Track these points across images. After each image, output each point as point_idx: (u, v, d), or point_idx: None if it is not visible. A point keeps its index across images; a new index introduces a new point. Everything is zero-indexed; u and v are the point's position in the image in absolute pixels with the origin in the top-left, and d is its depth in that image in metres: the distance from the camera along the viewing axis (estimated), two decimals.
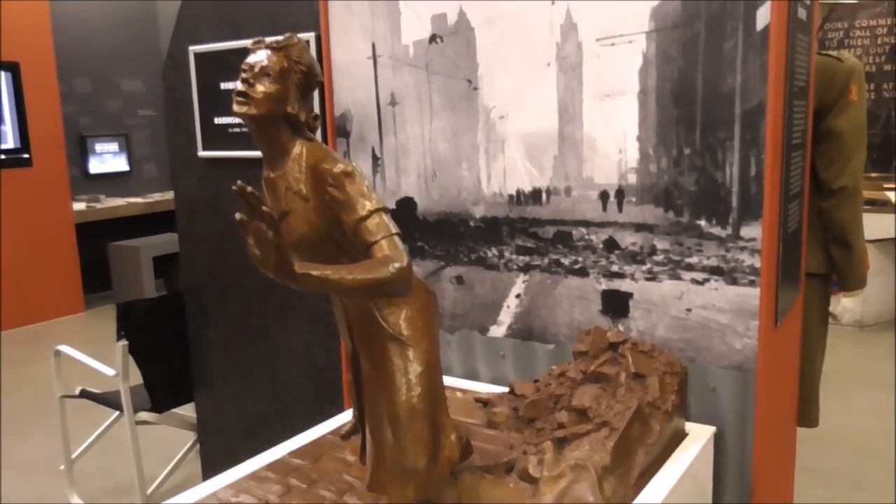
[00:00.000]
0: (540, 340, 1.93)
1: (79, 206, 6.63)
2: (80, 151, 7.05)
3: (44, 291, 6.22)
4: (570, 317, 1.88)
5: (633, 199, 1.76)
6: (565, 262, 1.87)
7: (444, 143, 2.01)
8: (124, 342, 2.78)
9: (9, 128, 5.97)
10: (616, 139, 1.76)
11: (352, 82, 2.13)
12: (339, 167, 1.10)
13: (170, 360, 2.92)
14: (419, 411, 1.16)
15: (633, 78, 1.71)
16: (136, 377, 2.95)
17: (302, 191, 1.11)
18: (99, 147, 7.17)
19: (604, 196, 1.79)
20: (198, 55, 2.65)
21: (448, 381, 1.97)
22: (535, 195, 1.89)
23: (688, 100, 1.66)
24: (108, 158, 7.27)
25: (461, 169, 1.99)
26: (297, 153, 1.14)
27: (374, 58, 2.07)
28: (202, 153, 2.70)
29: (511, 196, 1.92)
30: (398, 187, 2.11)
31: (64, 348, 3.09)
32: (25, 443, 3.94)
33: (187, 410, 3.12)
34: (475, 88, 1.93)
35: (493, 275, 1.98)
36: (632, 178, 1.75)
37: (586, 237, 1.83)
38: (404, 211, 2.10)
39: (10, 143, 5.98)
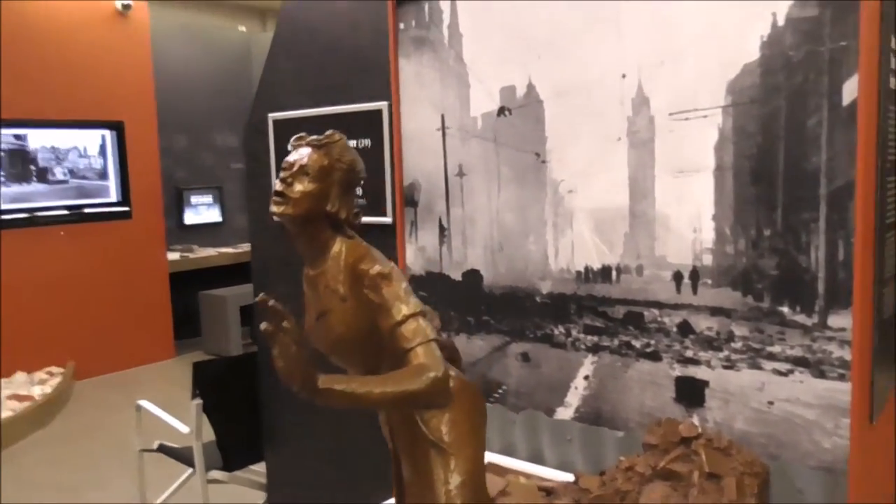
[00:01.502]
0: (609, 426, 1.83)
1: (173, 255, 6.92)
2: (177, 203, 7.39)
3: (137, 338, 6.48)
4: (641, 402, 1.77)
5: (709, 282, 1.65)
6: (636, 344, 1.77)
7: (511, 216, 1.96)
8: (199, 401, 2.82)
9: (112, 182, 6.32)
10: (690, 217, 1.66)
11: (421, 153, 2.12)
12: (375, 268, 1.07)
13: (242, 419, 2.95)
14: None
15: (708, 154, 1.63)
16: (211, 434, 2.98)
17: (340, 290, 1.08)
18: (194, 199, 7.50)
19: (677, 277, 1.70)
20: (276, 122, 2.72)
21: (511, 463, 1.89)
22: (605, 273, 1.81)
23: (768, 178, 1.56)
24: (202, 210, 7.59)
25: (528, 242, 1.93)
26: (337, 251, 1.11)
27: (443, 129, 2.06)
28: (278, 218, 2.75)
29: (579, 273, 1.85)
30: (464, 258, 2.07)
31: (144, 403, 3.17)
32: (104, 491, 4.05)
33: (258, 469, 3.13)
34: (543, 161, 1.88)
35: (559, 354, 1.90)
36: (707, 259, 1.65)
37: (659, 319, 1.73)
38: (470, 283, 2.05)
39: (113, 196, 6.32)
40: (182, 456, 3.10)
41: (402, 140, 2.15)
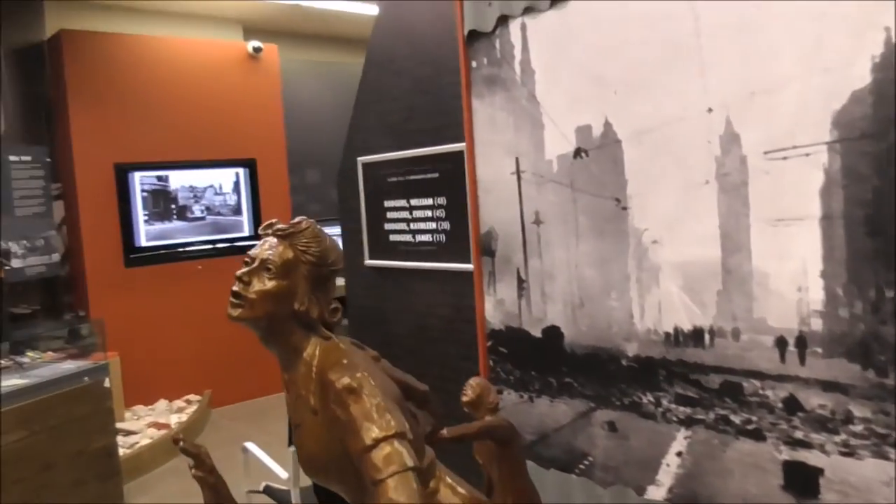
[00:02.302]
0: None
1: None
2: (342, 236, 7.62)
3: (269, 368, 6.70)
4: (744, 489, 1.52)
5: (819, 351, 1.38)
6: (735, 420, 1.52)
7: (591, 270, 1.77)
8: (292, 448, 2.80)
9: (245, 218, 6.63)
10: (793, 274, 1.41)
11: (497, 199, 1.98)
12: (343, 381, 0.92)
13: None
14: None
15: (812, 200, 1.37)
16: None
17: (310, 402, 0.96)
18: (327, 230, 7.71)
19: (781, 343, 1.44)
20: (365, 165, 2.67)
21: None
22: (696, 336, 1.57)
23: (888, 228, 1.28)
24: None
25: (610, 299, 1.73)
26: (309, 355, 0.99)
27: (518, 174, 1.91)
28: (368, 262, 2.69)
29: (668, 335, 1.62)
30: (544, 314, 1.89)
31: (250, 445, 3.20)
32: None
33: None
34: (624, 208, 1.68)
35: (649, 425, 1.68)
36: (816, 324, 1.38)
37: (761, 392, 1.48)
38: (551, 341, 1.87)
39: (246, 231, 6.62)
40: (283, 499, 3.09)
41: (476, 185, 2.01)
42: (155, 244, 6.01)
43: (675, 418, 1.62)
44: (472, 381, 1.43)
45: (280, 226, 1.03)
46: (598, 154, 1.71)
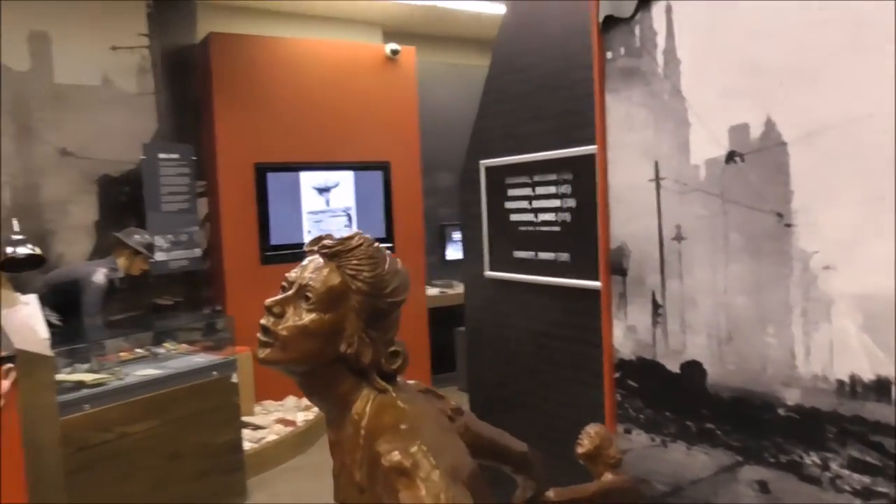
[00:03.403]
0: None
1: (432, 291, 7.05)
2: (440, 240, 7.55)
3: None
4: None
5: None
6: None
7: (743, 297, 1.48)
8: None
9: (377, 219, 6.64)
10: None
11: (630, 211, 1.72)
12: (392, 457, 0.71)
13: None
14: None
15: None
16: None
17: (356, 476, 0.75)
18: (456, 235, 7.61)
19: None
20: (488, 169, 2.47)
21: None
22: (880, 388, 1.25)
23: None
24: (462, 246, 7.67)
25: (766, 335, 1.44)
26: (358, 412, 0.78)
27: (657, 181, 1.64)
28: (488, 273, 2.50)
29: (841, 383, 1.31)
30: (683, 347, 1.62)
31: None
32: None
33: None
34: (788, 225, 1.38)
35: (812, 492, 1.37)
36: None
37: None
38: (690, 378, 1.60)
39: (379, 233, 6.63)
40: None
41: (607, 193, 1.77)
42: (288, 243, 6.13)
43: (847, 488, 1.31)
44: (591, 428, 1.20)
45: (328, 241, 0.84)
46: (757, 158, 1.42)
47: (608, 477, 1.17)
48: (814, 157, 1.32)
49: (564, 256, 2.08)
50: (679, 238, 1.60)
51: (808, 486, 1.37)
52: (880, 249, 1.25)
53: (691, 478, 1.60)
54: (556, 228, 2.12)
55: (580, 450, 1.18)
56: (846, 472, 1.31)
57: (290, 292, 0.78)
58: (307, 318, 0.76)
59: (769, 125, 1.39)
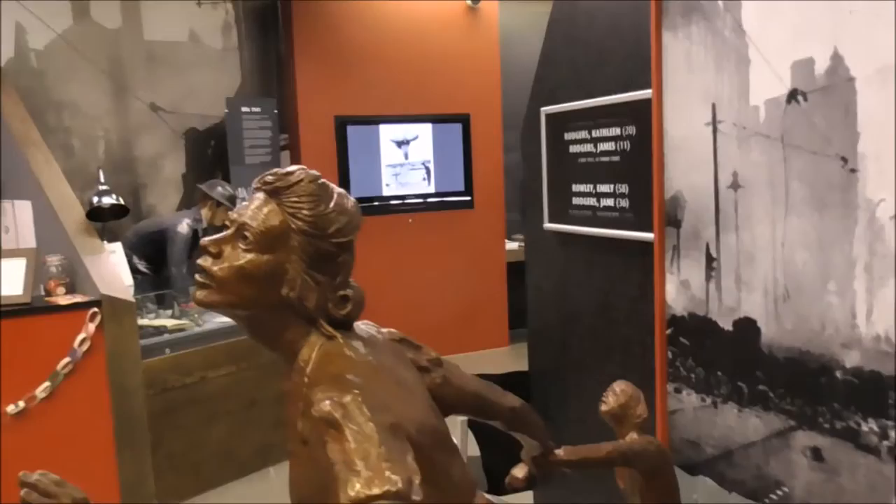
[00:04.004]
0: None
1: (512, 245, 6.98)
2: (521, 197, 7.44)
3: (475, 324, 6.69)
4: None
5: None
6: None
7: (803, 253, 1.36)
8: (464, 418, 2.64)
9: (456, 172, 6.59)
10: None
11: (687, 158, 1.61)
12: (322, 407, 0.65)
13: (510, 444, 2.70)
14: None
15: None
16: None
17: (298, 426, 0.70)
18: None
19: None
20: (549, 116, 2.38)
21: None
22: None
23: None
24: None
25: (827, 293, 1.31)
26: (304, 360, 0.73)
27: (714, 125, 1.52)
28: (548, 225, 2.42)
29: None
30: (737, 304, 1.51)
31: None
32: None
33: (525, 498, 2.86)
34: (853, 171, 1.25)
35: (870, 462, 1.26)
36: None
37: None
38: (744, 337, 1.49)
39: (458, 187, 6.59)
40: None
41: (663, 139, 1.65)
42: (368, 195, 6.18)
43: None
44: (617, 385, 1.14)
45: (268, 177, 0.78)
46: (822, 98, 1.29)
47: (631, 437, 1.10)
48: (884, 94, 1.18)
49: (622, 208, 1.98)
50: (735, 186, 1.48)
51: (865, 455, 1.26)
52: None
53: (742, 441, 1.51)
54: (616, 181, 2.02)
55: (604, 407, 1.11)
56: None
57: (229, 231, 0.74)
58: (244, 258, 0.72)
59: (836, 59, 1.25)
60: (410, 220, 6.42)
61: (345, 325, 0.75)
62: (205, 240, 0.75)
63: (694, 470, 1.64)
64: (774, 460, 1.44)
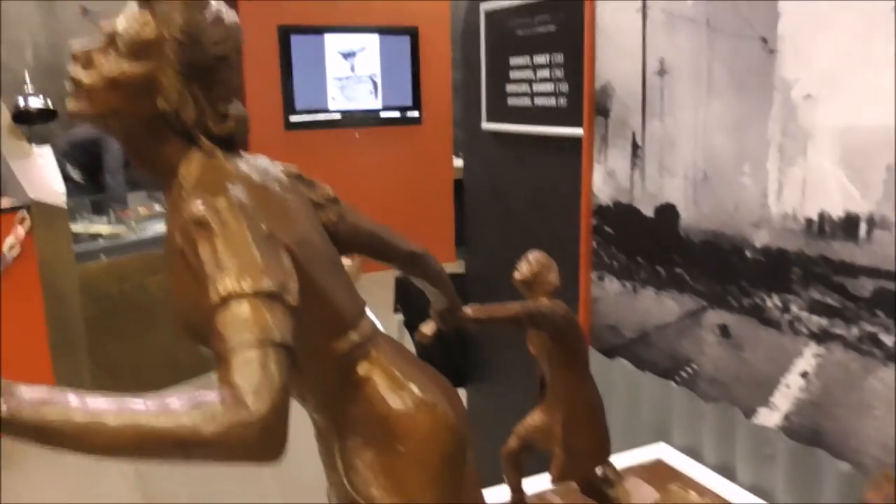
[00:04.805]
0: (831, 452, 1.24)
1: (459, 162, 6.96)
2: (460, 99, 7.37)
3: (421, 240, 6.70)
4: (886, 432, 1.15)
5: None
6: (887, 340, 1.14)
7: (722, 136, 1.38)
8: (400, 316, 2.69)
9: (403, 87, 6.48)
10: None
11: (617, 47, 1.60)
12: (194, 208, 0.64)
13: (446, 344, 2.76)
14: None
15: None
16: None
17: (175, 238, 0.69)
18: None
19: None
20: (489, 15, 2.33)
21: (686, 466, 1.42)
22: (849, 225, 1.18)
23: None
24: None
25: (742, 174, 1.35)
26: (183, 175, 0.72)
27: (644, 10, 1.52)
28: (486, 125, 2.41)
29: (810, 222, 1.24)
30: (659, 190, 1.54)
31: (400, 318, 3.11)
32: None
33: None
34: (772, 51, 1.27)
35: (771, 335, 1.33)
36: None
37: None
38: (664, 222, 1.53)
39: (405, 101, 6.49)
40: None
41: (595, 28, 1.65)
42: (313, 108, 6.04)
43: (805, 330, 1.26)
44: (531, 254, 1.16)
45: None
46: None
47: (543, 301, 1.13)
48: None
49: (558, 103, 1.98)
50: (662, 73, 1.49)
51: (768, 329, 1.33)
52: (869, 77, 1.13)
53: (657, 323, 1.57)
54: (552, 75, 2.01)
55: (517, 276, 1.14)
56: (805, 314, 1.26)
57: (101, 40, 0.71)
58: (115, 67, 0.69)
59: None
60: (357, 135, 6.33)
61: (229, 147, 0.73)
62: (74, 48, 0.71)
63: (612, 353, 1.71)
64: (686, 339, 1.51)
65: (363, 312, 0.79)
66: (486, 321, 1.04)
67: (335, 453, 0.75)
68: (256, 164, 0.75)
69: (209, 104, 0.71)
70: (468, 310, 1.03)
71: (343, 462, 0.74)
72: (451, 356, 2.80)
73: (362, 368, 0.75)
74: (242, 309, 0.59)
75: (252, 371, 0.56)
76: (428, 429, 0.74)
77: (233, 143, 0.74)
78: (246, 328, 0.58)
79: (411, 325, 2.72)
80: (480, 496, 0.89)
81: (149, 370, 3.93)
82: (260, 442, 0.54)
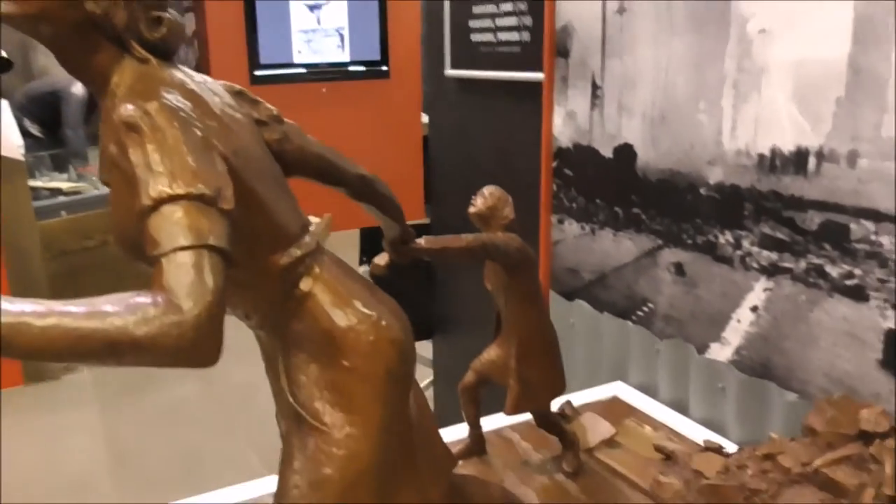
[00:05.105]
0: (779, 383, 1.27)
1: (427, 118, 6.91)
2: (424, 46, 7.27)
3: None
4: (831, 362, 1.18)
5: None
6: (833, 273, 1.16)
7: (680, 74, 1.38)
8: (366, 268, 2.68)
9: (371, 40, 6.36)
10: None
11: None
12: (124, 111, 0.61)
13: (412, 295, 2.76)
14: None
15: None
16: None
17: (109, 149, 0.67)
18: None
19: None
20: None
21: (641, 403, 1.45)
22: (799, 160, 1.19)
23: None
24: None
25: (698, 112, 1.36)
26: (116, 83, 0.70)
27: None
28: (449, 72, 2.38)
29: (762, 157, 1.25)
30: (618, 130, 1.54)
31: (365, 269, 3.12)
32: None
33: (426, 345, 2.97)
34: None
35: (723, 271, 1.35)
36: None
37: (872, 238, 1.10)
38: (622, 163, 1.54)
39: (373, 55, 6.38)
40: None
41: None
42: (278, 62, 5.93)
43: (755, 265, 1.28)
44: (486, 189, 1.16)
45: None
46: None
47: (499, 234, 1.14)
48: None
49: (523, 47, 1.95)
50: (622, 11, 1.48)
51: (721, 265, 1.35)
52: (822, 11, 1.14)
53: (615, 265, 1.58)
54: (515, 19, 1.99)
55: (472, 209, 1.14)
56: (756, 249, 1.28)
57: None
58: None
59: None
60: (324, 90, 6.23)
61: (164, 56, 0.71)
62: None
63: (572, 296, 1.73)
64: (643, 279, 1.52)
65: (307, 230, 0.78)
66: (439, 252, 1.04)
67: (280, 370, 0.75)
68: (194, 76, 0.73)
69: (141, 8, 0.69)
70: (421, 240, 1.03)
71: (287, 378, 0.74)
72: (418, 308, 2.81)
73: (305, 284, 0.74)
74: (175, 212, 0.58)
75: (185, 273, 0.55)
76: (372, 343, 0.74)
77: (168, 51, 0.72)
78: (179, 231, 0.57)
79: (378, 280, 2.71)
80: (431, 422, 0.90)
81: None
82: (193, 344, 0.54)
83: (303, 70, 6.09)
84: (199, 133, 0.63)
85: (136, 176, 0.60)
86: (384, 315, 0.76)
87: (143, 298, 0.54)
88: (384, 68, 6.42)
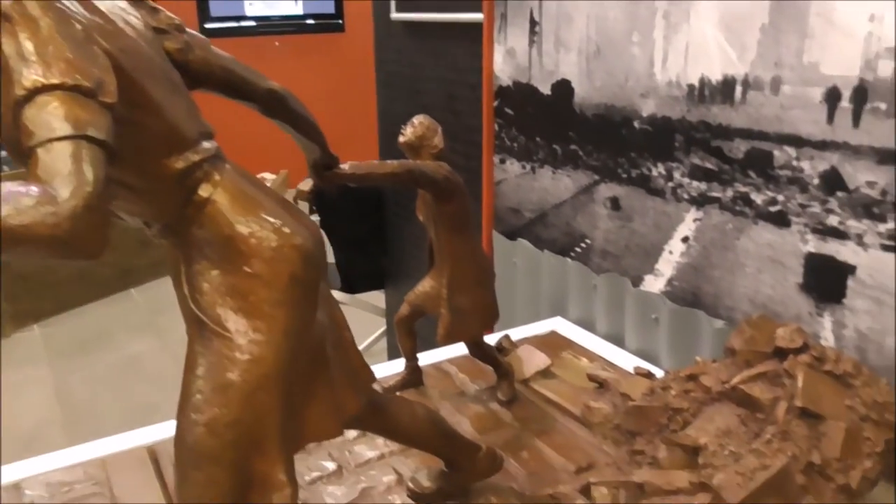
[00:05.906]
0: (708, 311, 1.30)
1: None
2: None
3: (345, 151, 6.59)
4: (755, 287, 1.21)
5: (882, 107, 1.00)
6: (757, 199, 1.18)
7: (615, 8, 1.38)
8: (317, 217, 2.66)
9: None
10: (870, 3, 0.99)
11: None
12: None
13: (364, 245, 2.76)
14: (208, 449, 0.69)
15: None
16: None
17: None
18: None
19: (832, 97, 1.06)
20: None
21: (578, 335, 1.47)
22: (726, 88, 1.20)
23: None
24: None
25: (632, 44, 1.36)
26: None
27: None
28: (395, 15, 2.34)
29: (691, 88, 1.26)
30: (556, 66, 1.54)
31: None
32: None
33: (379, 296, 2.97)
34: None
35: (656, 204, 1.37)
36: (885, 70, 0.99)
37: (794, 164, 1.12)
38: (559, 100, 1.54)
39: (328, 9, 6.26)
40: None
41: None
42: (229, 15, 5.78)
43: (686, 196, 1.30)
44: (416, 118, 1.15)
45: None
46: None
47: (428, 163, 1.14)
48: None
49: None
50: None
51: (654, 198, 1.36)
52: None
53: (554, 202, 1.59)
54: None
55: (402, 139, 1.13)
56: (687, 180, 1.29)
57: None
58: None
59: None
60: (277, 44, 6.10)
61: None
62: None
63: (514, 235, 1.74)
64: (580, 215, 1.54)
65: (210, 138, 0.75)
66: (364, 177, 1.03)
67: (181, 278, 0.74)
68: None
69: None
70: (346, 165, 1.02)
71: (189, 285, 0.73)
72: (370, 257, 2.81)
73: (204, 190, 0.72)
74: (49, 102, 0.55)
75: (63, 164, 0.53)
76: (275, 249, 0.72)
77: None
78: (54, 121, 0.54)
79: (327, 227, 2.70)
80: (348, 336, 0.88)
81: (66, 286, 3.83)
82: (71, 235, 0.52)
83: (254, 23, 5.95)
84: (78, 26, 0.61)
85: (10, 67, 0.57)
86: (288, 223, 0.75)
87: (18, 188, 0.52)
88: (339, 21, 6.31)
